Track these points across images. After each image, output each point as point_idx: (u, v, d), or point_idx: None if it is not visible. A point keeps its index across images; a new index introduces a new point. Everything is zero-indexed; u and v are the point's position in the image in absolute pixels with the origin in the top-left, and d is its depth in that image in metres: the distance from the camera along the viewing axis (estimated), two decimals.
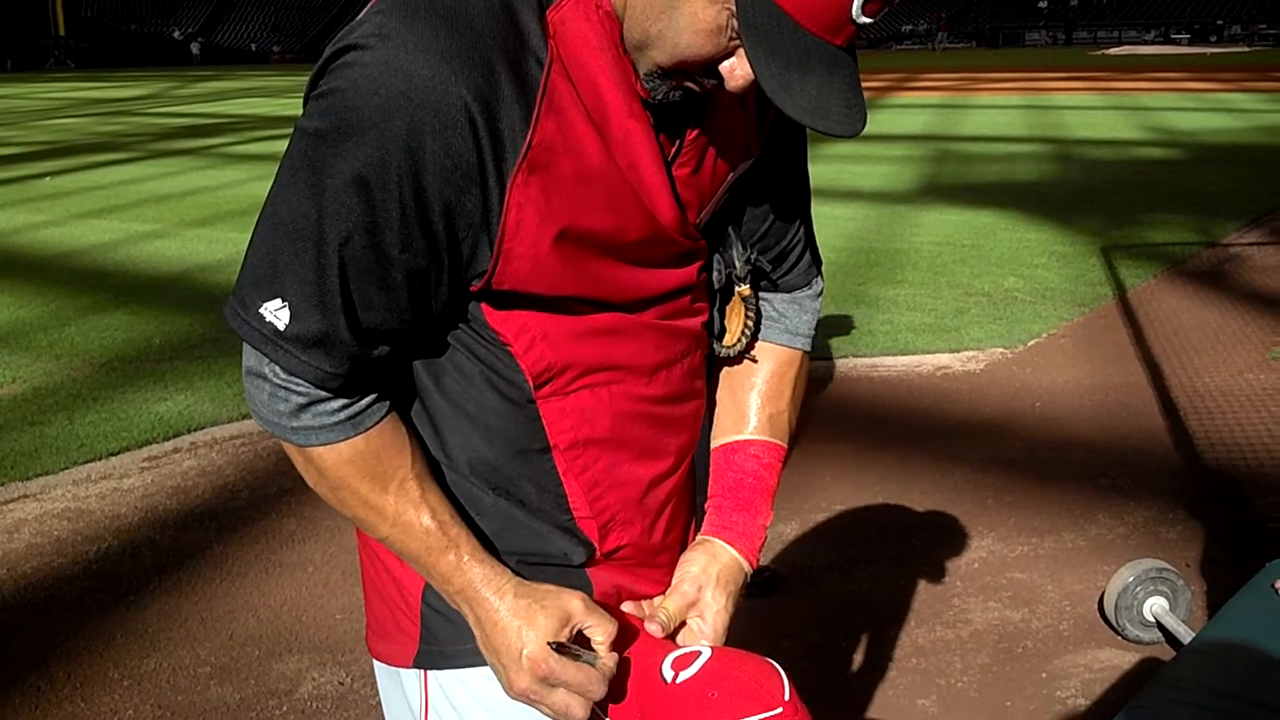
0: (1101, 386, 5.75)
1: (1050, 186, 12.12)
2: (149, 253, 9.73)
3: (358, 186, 1.13)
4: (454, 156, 1.13)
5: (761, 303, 1.56)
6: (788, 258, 1.54)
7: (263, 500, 4.66)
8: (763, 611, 3.73)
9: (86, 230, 10.85)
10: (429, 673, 1.40)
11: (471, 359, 1.30)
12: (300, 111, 1.19)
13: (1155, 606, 3.44)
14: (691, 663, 1.32)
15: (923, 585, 3.88)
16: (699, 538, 1.50)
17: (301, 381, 1.20)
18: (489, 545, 1.33)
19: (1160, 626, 3.44)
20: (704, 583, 1.44)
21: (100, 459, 5.12)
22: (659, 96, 1.21)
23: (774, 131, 1.42)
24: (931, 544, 4.20)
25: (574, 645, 1.28)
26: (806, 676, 3.36)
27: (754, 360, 1.54)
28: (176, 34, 76.00)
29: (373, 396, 1.26)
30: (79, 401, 5.84)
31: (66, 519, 4.52)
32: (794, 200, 1.53)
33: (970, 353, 6.36)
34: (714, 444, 1.55)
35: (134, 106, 29.37)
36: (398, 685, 1.45)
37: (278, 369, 1.20)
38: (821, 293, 1.62)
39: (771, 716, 1.26)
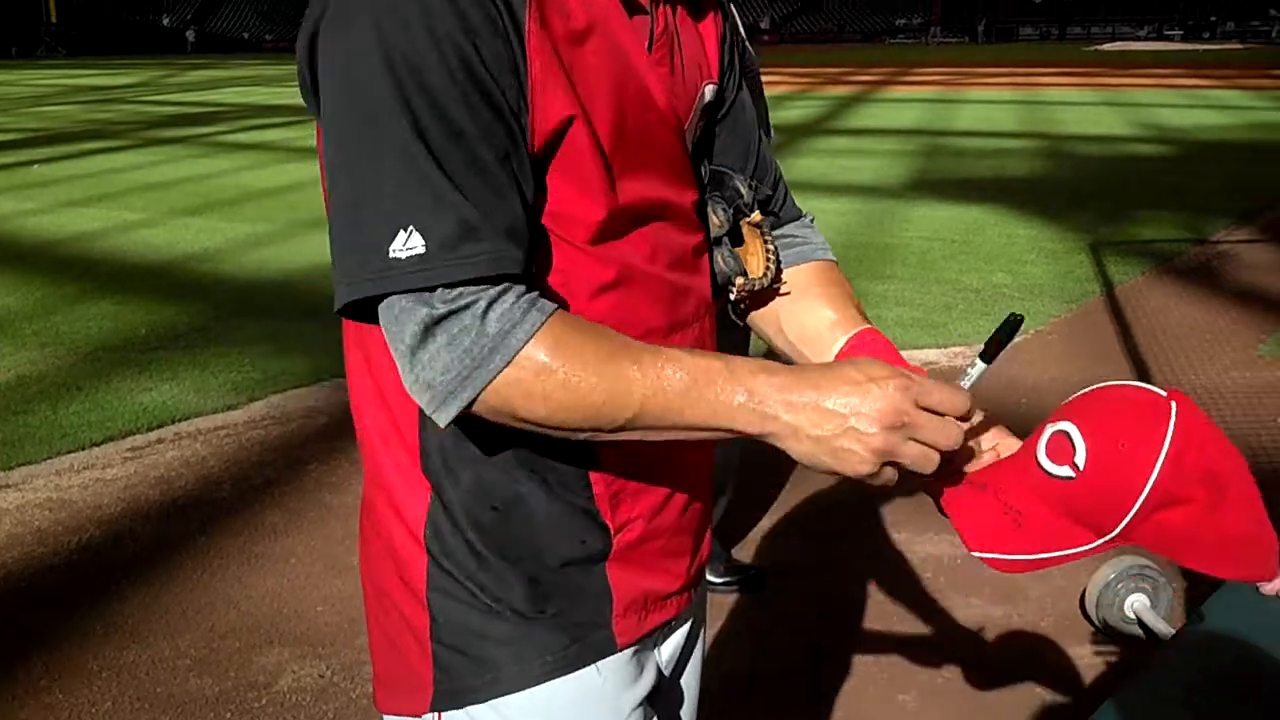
0: (1088, 383, 5.68)
1: (1041, 182, 12.13)
2: (136, 241, 9.70)
3: (392, 73, 1.11)
4: (477, 10, 1.12)
5: (780, 234, 1.56)
6: (779, 189, 1.57)
7: (246, 492, 4.65)
8: (747, 607, 3.72)
9: (74, 218, 10.81)
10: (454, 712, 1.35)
11: None
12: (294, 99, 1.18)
13: (1136, 603, 3.44)
14: (1067, 444, 1.25)
15: (904, 581, 3.88)
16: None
17: (469, 286, 1.11)
18: (507, 547, 1.31)
19: (1141, 623, 3.44)
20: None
21: (83, 449, 5.11)
22: None
23: (727, 64, 1.46)
24: (913, 540, 4.19)
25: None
26: (788, 671, 3.36)
27: (804, 286, 1.52)
28: (167, 21, 75.74)
29: (538, 290, 1.17)
30: (63, 391, 5.82)
31: (48, 509, 4.50)
32: (762, 137, 1.56)
33: (958, 348, 6.36)
34: (828, 358, 1.46)
35: (124, 94, 29.27)
36: None
37: (441, 296, 1.11)
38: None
39: (1172, 422, 1.20)
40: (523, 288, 1.15)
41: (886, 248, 8.89)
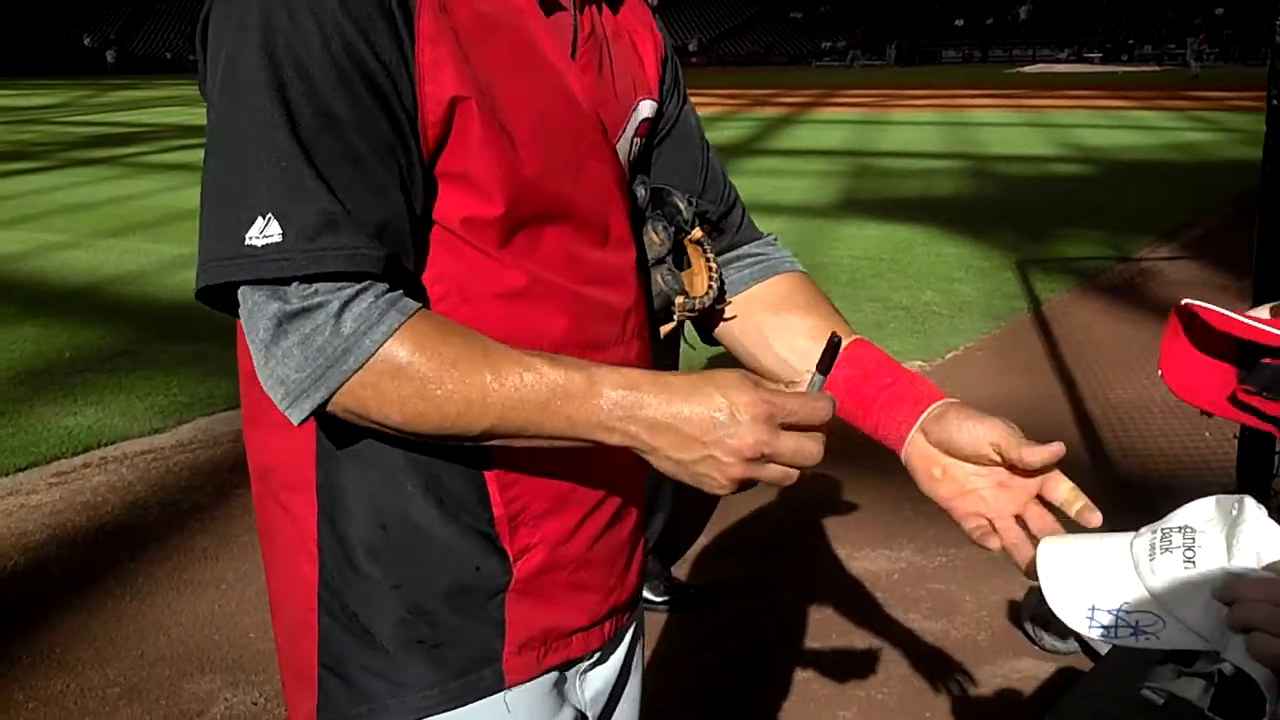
0: (1017, 398, 5.82)
1: (967, 201, 12.29)
2: (59, 263, 9.53)
3: (267, 55, 1.08)
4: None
5: (741, 249, 1.53)
6: (734, 210, 1.54)
7: (174, 517, 4.57)
8: (687, 625, 3.71)
9: None
10: None
11: None
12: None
13: None
14: None
15: (842, 597, 3.89)
16: (934, 411, 1.37)
17: (325, 284, 1.08)
18: (393, 569, 1.24)
19: (1077, 637, 3.47)
20: (1006, 429, 1.34)
21: (7, 475, 5.00)
22: None
23: (666, 84, 1.44)
24: (851, 556, 4.21)
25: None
26: (728, 689, 3.35)
27: (788, 293, 1.50)
28: (87, 41, 74.70)
29: (402, 290, 1.13)
30: None
31: None
32: (713, 162, 1.53)
33: None
34: (807, 365, 1.40)
35: (45, 115, 28.82)
36: None
37: (296, 291, 1.07)
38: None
39: None
40: (384, 286, 1.11)
41: (817, 266, 8.95)
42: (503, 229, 1.20)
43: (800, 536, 4.33)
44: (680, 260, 1.43)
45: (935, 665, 3.50)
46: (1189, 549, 1.21)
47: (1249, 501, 1.22)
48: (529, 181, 1.20)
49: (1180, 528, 1.24)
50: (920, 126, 22.09)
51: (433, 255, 1.19)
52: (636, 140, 1.39)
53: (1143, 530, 1.27)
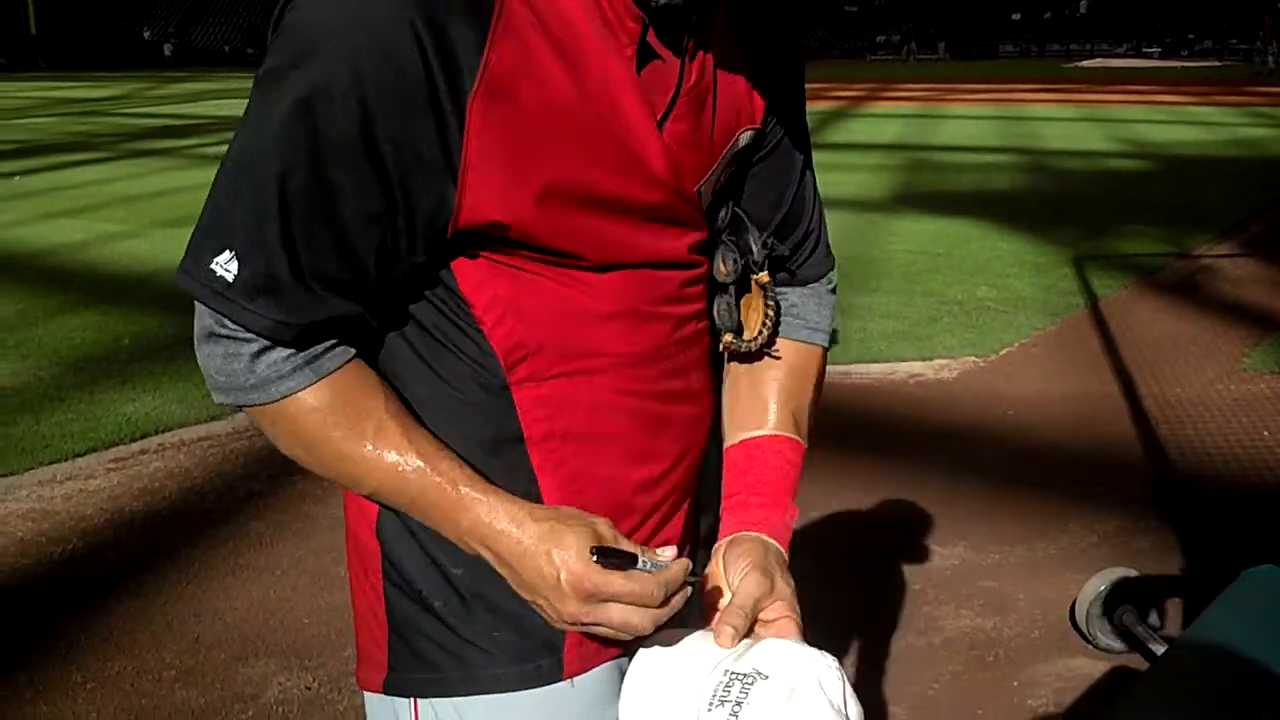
0: (1073, 395, 5.77)
1: (1023, 196, 12.18)
2: (119, 253, 9.66)
3: (300, 112, 1.08)
4: (401, 77, 1.08)
5: (782, 293, 1.48)
6: (804, 245, 1.48)
7: (230, 503, 4.62)
8: None
9: (55, 230, 10.76)
10: (419, 702, 1.32)
11: (441, 339, 1.24)
12: None
13: (1125, 616, 3.44)
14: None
15: (894, 593, 3.87)
16: (730, 538, 1.37)
17: (249, 332, 1.15)
18: (454, 553, 1.25)
19: (1130, 635, 3.43)
20: (771, 571, 1.31)
21: (66, 460, 5.07)
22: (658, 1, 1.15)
23: (775, 105, 1.36)
24: (903, 552, 4.19)
25: (618, 551, 1.15)
26: None
27: (775, 356, 1.46)
28: (147, 34, 75.59)
29: (332, 341, 1.19)
30: (45, 402, 5.78)
31: (31, 520, 4.46)
32: (804, 184, 1.46)
33: (943, 361, 6.37)
34: (732, 440, 1.45)
35: (106, 107, 29.19)
36: (390, 716, 1.36)
37: (226, 321, 1.15)
38: (836, 287, 1.55)
39: None
40: (293, 350, 1.17)
41: (872, 261, 8.91)
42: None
43: (850, 531, 4.31)
44: (744, 287, 1.41)
45: (987, 662, 3.47)
46: (738, 704, 1.19)
47: (828, 673, 1.20)
48: (583, 235, 1.20)
49: (748, 674, 1.21)
50: (976, 121, 21.91)
51: (488, 284, 1.21)
52: (728, 170, 1.35)
53: (727, 658, 1.23)
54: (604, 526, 1.19)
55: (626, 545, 1.18)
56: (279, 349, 1.16)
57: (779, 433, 1.43)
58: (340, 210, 1.12)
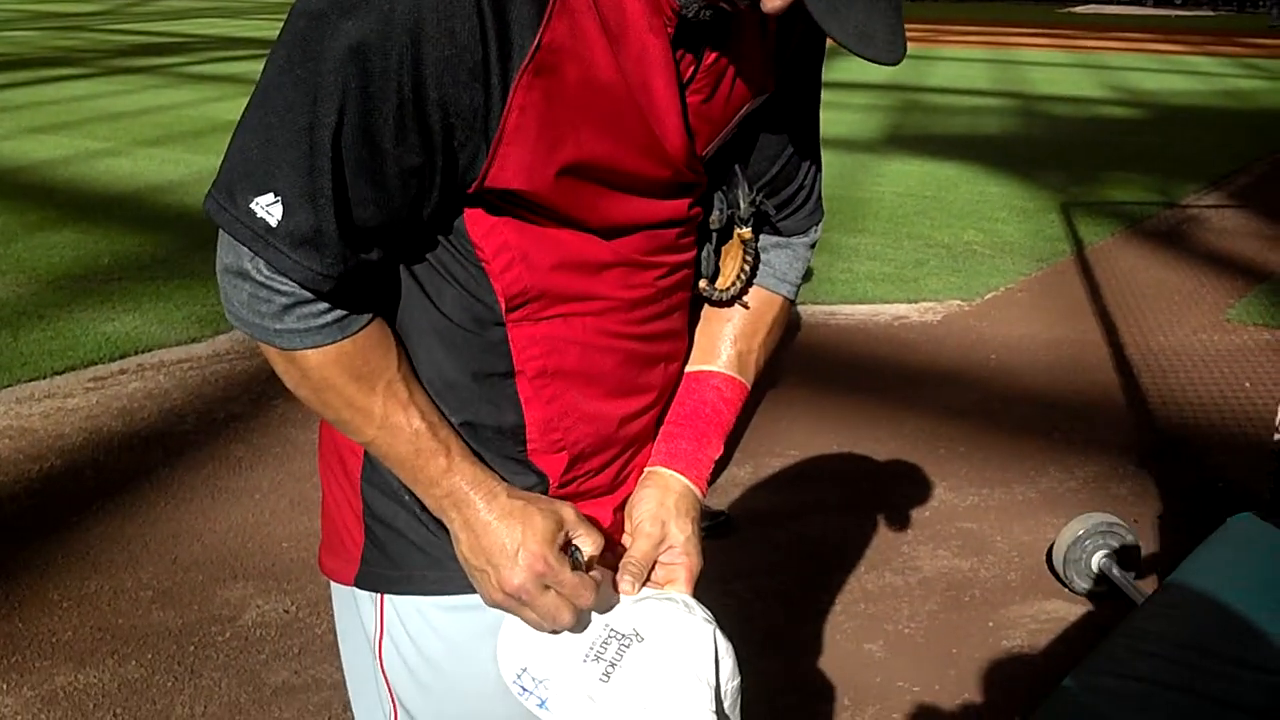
0: (1057, 341, 5.77)
1: (1013, 141, 12.12)
2: (100, 170, 9.54)
3: (355, 64, 1.07)
4: (458, 47, 1.07)
5: (770, 239, 1.52)
6: (792, 202, 1.50)
7: (210, 425, 4.60)
8: (715, 554, 3.70)
9: (36, 145, 10.62)
10: (385, 598, 1.36)
11: (445, 275, 1.26)
12: (262, 24, 1.12)
13: (1102, 561, 3.46)
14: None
15: (873, 532, 3.89)
16: (646, 469, 1.44)
17: (288, 281, 1.14)
18: None
19: (1106, 580, 3.46)
20: (665, 517, 1.39)
21: (44, 378, 5.03)
22: (690, 13, 1.15)
23: (790, 68, 1.37)
24: (883, 491, 4.20)
25: (571, 548, 1.25)
26: (757, 619, 3.36)
27: (745, 305, 1.50)
28: None
29: (359, 299, 1.21)
30: (24, 319, 5.73)
31: (8, 437, 4.44)
32: (805, 143, 1.48)
33: (928, 304, 6.36)
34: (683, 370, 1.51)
35: (88, 22, 28.75)
36: (353, 608, 1.42)
37: (261, 266, 1.13)
38: (816, 243, 1.58)
39: None
40: (329, 305, 1.18)
41: (859, 202, 8.87)
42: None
43: (832, 470, 4.32)
44: (725, 235, 1.44)
45: (964, 603, 3.49)
46: (612, 665, 1.25)
47: (703, 640, 1.27)
48: (593, 206, 1.24)
49: (626, 635, 1.27)
50: (969, 64, 21.76)
51: (499, 231, 1.23)
52: (733, 129, 1.35)
53: (613, 611, 1.30)
54: (570, 512, 1.27)
55: (587, 531, 1.27)
56: (312, 304, 1.16)
57: (723, 370, 1.48)
58: (385, 165, 1.12)
